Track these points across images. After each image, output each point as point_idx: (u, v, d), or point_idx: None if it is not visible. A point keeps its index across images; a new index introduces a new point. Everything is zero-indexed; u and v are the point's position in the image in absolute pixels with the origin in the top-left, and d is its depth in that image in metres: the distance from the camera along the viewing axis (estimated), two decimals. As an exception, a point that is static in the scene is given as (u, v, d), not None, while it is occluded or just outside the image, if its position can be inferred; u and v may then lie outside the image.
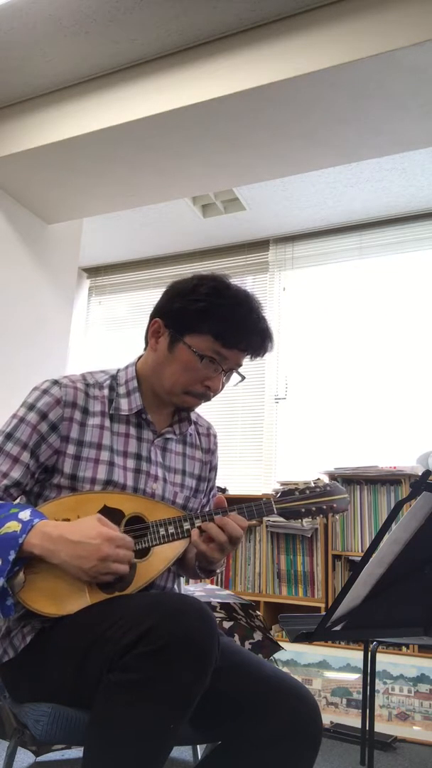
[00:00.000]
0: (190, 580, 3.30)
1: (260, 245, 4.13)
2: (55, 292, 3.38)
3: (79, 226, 3.61)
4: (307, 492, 1.27)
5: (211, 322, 1.24)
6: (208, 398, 1.31)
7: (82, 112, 2.63)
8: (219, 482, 1.52)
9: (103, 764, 0.95)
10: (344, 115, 2.42)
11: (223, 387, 1.32)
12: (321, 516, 1.28)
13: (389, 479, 3.04)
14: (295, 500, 1.26)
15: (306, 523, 3.07)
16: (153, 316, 1.32)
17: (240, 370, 1.34)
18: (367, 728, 2.04)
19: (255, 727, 1.08)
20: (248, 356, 1.31)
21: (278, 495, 1.26)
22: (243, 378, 1.33)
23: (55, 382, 1.26)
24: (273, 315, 3.98)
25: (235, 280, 1.31)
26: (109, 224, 3.96)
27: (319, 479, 1.31)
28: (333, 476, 3.12)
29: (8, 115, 2.83)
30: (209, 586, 2.68)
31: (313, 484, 1.30)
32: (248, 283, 4.12)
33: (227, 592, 2.42)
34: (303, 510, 1.26)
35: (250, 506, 1.22)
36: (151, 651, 0.95)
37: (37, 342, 3.23)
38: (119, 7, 2.26)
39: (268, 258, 4.09)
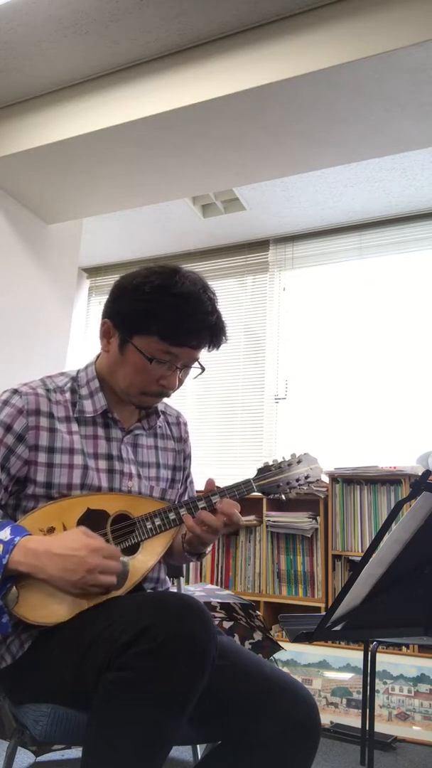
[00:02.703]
0: (190, 580, 3.30)
1: (260, 245, 4.13)
2: (55, 292, 3.38)
3: (79, 226, 3.61)
4: (282, 466, 1.31)
5: (157, 323, 1.18)
6: (167, 395, 1.29)
7: (82, 112, 2.63)
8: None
9: (102, 764, 0.95)
10: (344, 115, 2.42)
11: (181, 383, 1.29)
12: (299, 486, 1.32)
13: (389, 479, 3.04)
14: (272, 476, 1.29)
15: (305, 522, 3.07)
16: (102, 317, 1.29)
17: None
18: (367, 728, 2.04)
19: (254, 726, 1.08)
20: (204, 349, 1.26)
21: (256, 474, 1.30)
22: (203, 370, 1.28)
23: (15, 392, 1.24)
24: (273, 315, 3.98)
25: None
26: (109, 224, 3.96)
27: (293, 453, 1.35)
28: (333, 476, 3.12)
29: (8, 115, 2.83)
30: (209, 586, 2.68)
31: (287, 458, 1.34)
32: (248, 283, 4.13)
33: (227, 592, 2.42)
34: (281, 484, 1.29)
35: (231, 490, 1.24)
36: (148, 650, 0.95)
37: (37, 342, 3.22)
38: (119, 7, 2.26)
39: (268, 258, 4.09)
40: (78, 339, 4.32)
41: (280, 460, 1.33)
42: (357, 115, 2.41)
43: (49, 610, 1.09)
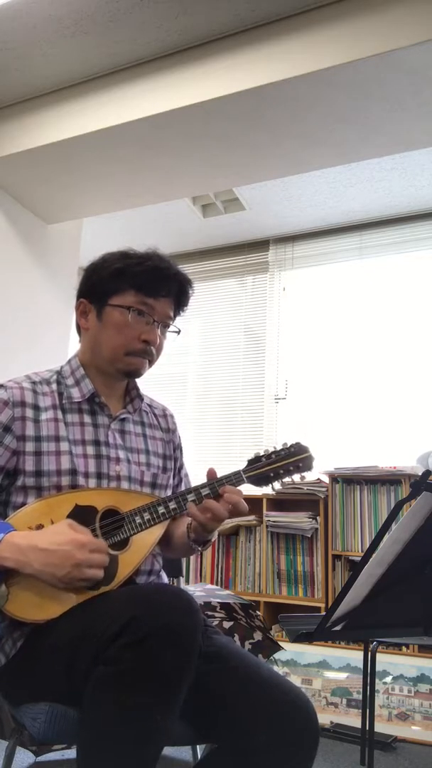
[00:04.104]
0: (190, 580, 3.30)
1: (260, 245, 4.13)
2: (55, 292, 3.38)
3: (79, 226, 3.61)
4: (273, 457, 1.30)
5: (128, 278, 1.30)
6: (150, 355, 1.33)
7: (82, 112, 2.63)
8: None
9: (96, 759, 0.95)
10: (344, 115, 2.42)
11: (161, 343, 1.35)
12: (290, 477, 1.30)
13: (389, 479, 3.04)
14: (262, 466, 1.28)
15: (305, 522, 3.07)
16: (77, 300, 1.38)
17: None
18: (367, 728, 2.04)
19: (251, 733, 1.07)
20: (175, 307, 1.36)
21: (246, 465, 1.29)
22: (179, 332, 1.38)
23: (0, 386, 1.28)
24: (273, 315, 3.98)
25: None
26: (109, 224, 3.96)
27: (284, 443, 1.33)
28: (333, 476, 3.12)
29: (8, 115, 2.83)
30: (209, 586, 2.68)
31: (278, 449, 1.32)
32: (248, 283, 4.13)
33: (227, 592, 2.42)
34: (272, 474, 1.28)
35: (221, 482, 1.24)
36: (133, 642, 0.95)
37: (37, 342, 3.22)
38: (119, 7, 2.26)
39: (268, 258, 4.09)
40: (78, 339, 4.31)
41: (271, 450, 1.32)
42: (357, 115, 2.41)
43: (39, 607, 1.09)
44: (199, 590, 2.32)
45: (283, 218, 3.85)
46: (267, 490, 3.31)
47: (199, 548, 1.32)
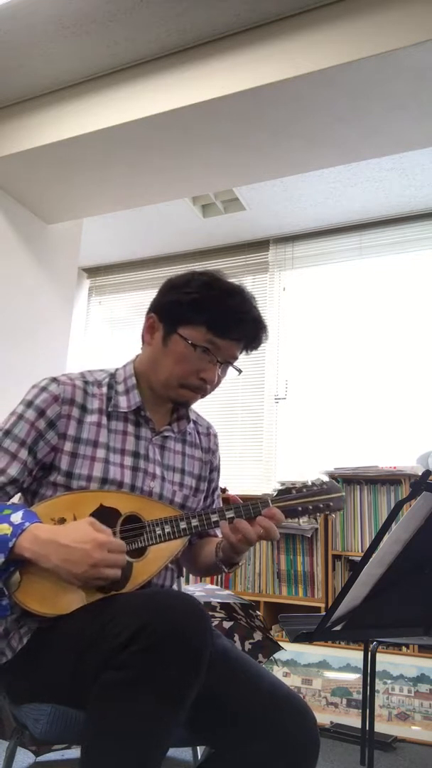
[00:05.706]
0: (190, 581, 3.30)
1: (260, 245, 4.13)
2: (55, 292, 3.38)
3: (79, 226, 3.61)
4: (304, 491, 1.28)
5: (204, 313, 1.24)
6: (204, 391, 1.30)
7: (82, 112, 2.63)
8: (219, 482, 1.53)
9: (100, 763, 0.95)
10: (344, 115, 2.42)
11: (219, 381, 1.31)
12: (318, 514, 1.28)
13: (389, 479, 3.04)
14: (292, 499, 1.26)
15: (305, 523, 3.06)
16: (148, 312, 1.33)
17: (240, 369, 1.34)
18: (367, 728, 2.04)
19: (252, 740, 1.07)
20: (243, 349, 1.31)
21: (276, 494, 1.26)
22: (240, 372, 1.33)
23: (54, 380, 1.27)
24: (273, 315, 3.98)
25: (234, 280, 1.32)
26: (109, 224, 3.97)
27: (317, 478, 1.31)
28: (333, 476, 3.12)
29: (8, 115, 2.83)
30: (209, 586, 2.68)
31: (310, 483, 1.29)
32: (248, 283, 4.12)
33: (227, 592, 2.42)
34: (300, 509, 1.26)
35: (247, 506, 1.22)
36: (144, 648, 0.94)
37: (37, 342, 3.22)
38: (119, 7, 2.26)
39: (268, 258, 4.09)
40: (78, 339, 4.32)
41: (301, 482, 1.29)
42: (357, 115, 2.41)
43: (48, 601, 1.09)
44: (199, 590, 2.32)
45: (283, 218, 3.85)
46: (267, 489, 3.31)
47: (226, 569, 1.30)
